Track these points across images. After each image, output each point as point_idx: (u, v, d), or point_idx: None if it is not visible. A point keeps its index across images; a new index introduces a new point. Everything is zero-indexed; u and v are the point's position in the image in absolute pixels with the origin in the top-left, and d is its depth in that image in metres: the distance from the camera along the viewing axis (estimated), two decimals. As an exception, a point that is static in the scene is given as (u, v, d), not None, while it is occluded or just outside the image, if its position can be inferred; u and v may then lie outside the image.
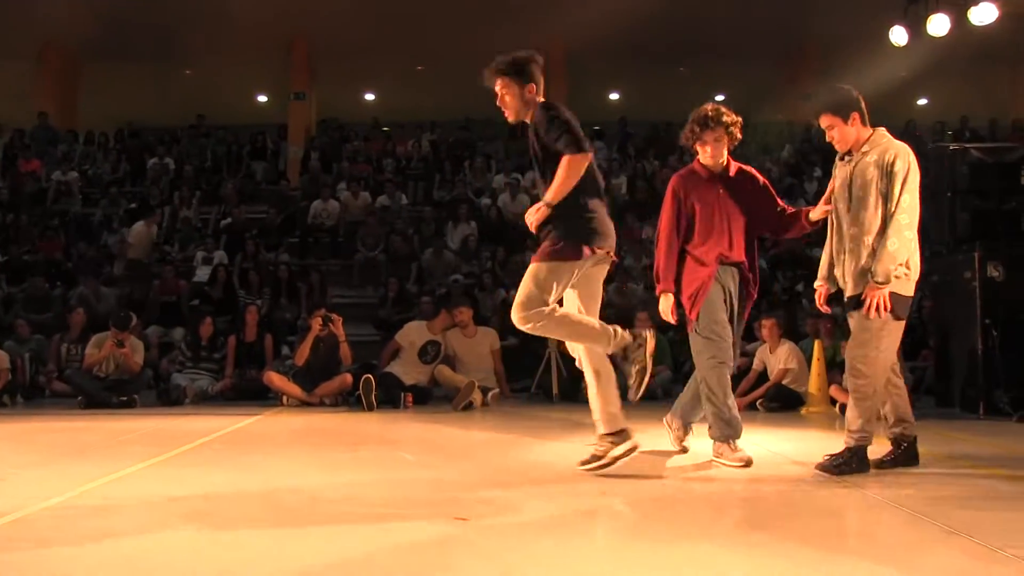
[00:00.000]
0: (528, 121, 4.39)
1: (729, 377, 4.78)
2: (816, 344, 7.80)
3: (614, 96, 20.52)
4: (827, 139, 4.44)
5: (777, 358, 7.90)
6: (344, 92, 19.82)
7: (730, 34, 16.39)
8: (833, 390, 7.51)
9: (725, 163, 4.77)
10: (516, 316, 4.18)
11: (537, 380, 9.19)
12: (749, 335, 9.36)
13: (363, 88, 20.56)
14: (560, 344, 9.06)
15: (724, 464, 4.57)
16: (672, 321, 4.79)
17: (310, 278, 11.94)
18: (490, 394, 8.40)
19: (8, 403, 8.66)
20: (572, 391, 8.78)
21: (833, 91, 4.48)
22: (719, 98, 19.45)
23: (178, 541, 3.01)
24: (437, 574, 2.62)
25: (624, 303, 11.08)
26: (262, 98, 20.83)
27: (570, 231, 4.12)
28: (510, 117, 4.43)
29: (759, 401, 7.77)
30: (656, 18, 15.09)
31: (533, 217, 4.15)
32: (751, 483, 4.15)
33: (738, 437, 4.67)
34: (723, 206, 4.73)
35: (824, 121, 4.39)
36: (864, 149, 4.32)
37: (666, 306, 4.79)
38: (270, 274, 11.93)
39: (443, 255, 12.46)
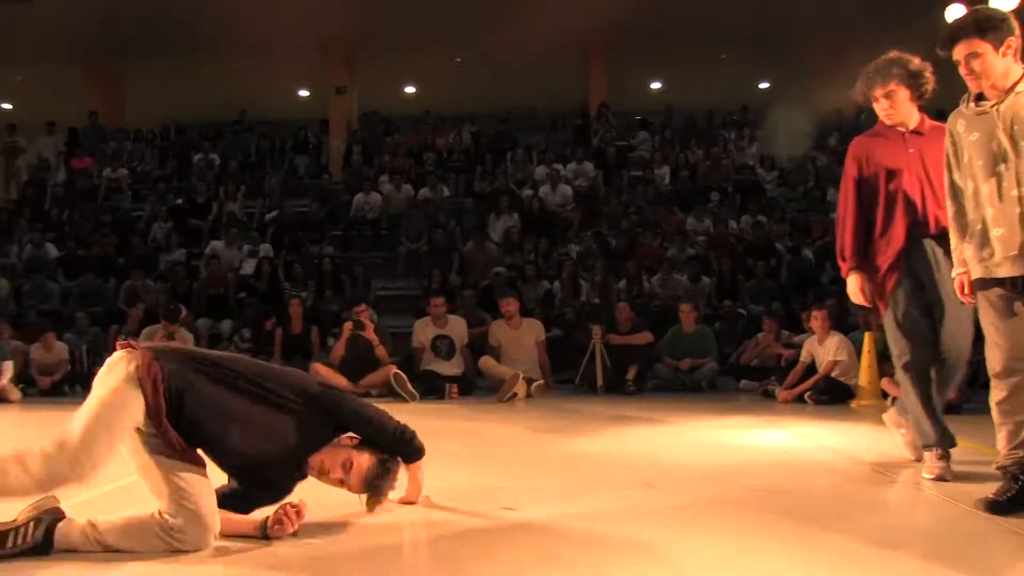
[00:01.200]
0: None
1: (925, 376, 3.88)
2: (866, 336, 7.62)
3: (656, 85, 20.34)
4: (962, 72, 3.36)
5: (826, 350, 7.77)
6: (384, 85, 19.83)
7: (774, 18, 16.13)
8: (884, 383, 7.34)
9: (918, 120, 4.04)
10: None
11: (581, 372, 9.14)
12: (798, 326, 9.26)
13: (403, 81, 20.57)
14: (604, 335, 9.06)
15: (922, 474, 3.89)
16: (864, 303, 4.11)
17: (354, 271, 11.99)
18: (534, 385, 8.38)
19: (68, 392, 9.13)
20: (616, 383, 8.75)
21: (982, 10, 3.36)
22: (763, 85, 19.23)
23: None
24: (484, 561, 2.61)
25: (668, 295, 11.01)
26: (303, 93, 20.91)
27: None
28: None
29: (807, 394, 7.64)
30: (697, 3, 14.93)
31: None
32: (801, 477, 4.08)
33: (939, 447, 3.85)
34: (914, 168, 3.96)
35: (965, 49, 3.30)
36: (1019, 89, 3.27)
37: (855, 286, 4.08)
38: (314, 267, 12.00)
39: (485, 247, 12.45)
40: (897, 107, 3.99)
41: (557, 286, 11.38)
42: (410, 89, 20.65)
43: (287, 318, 9.69)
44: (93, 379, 2.88)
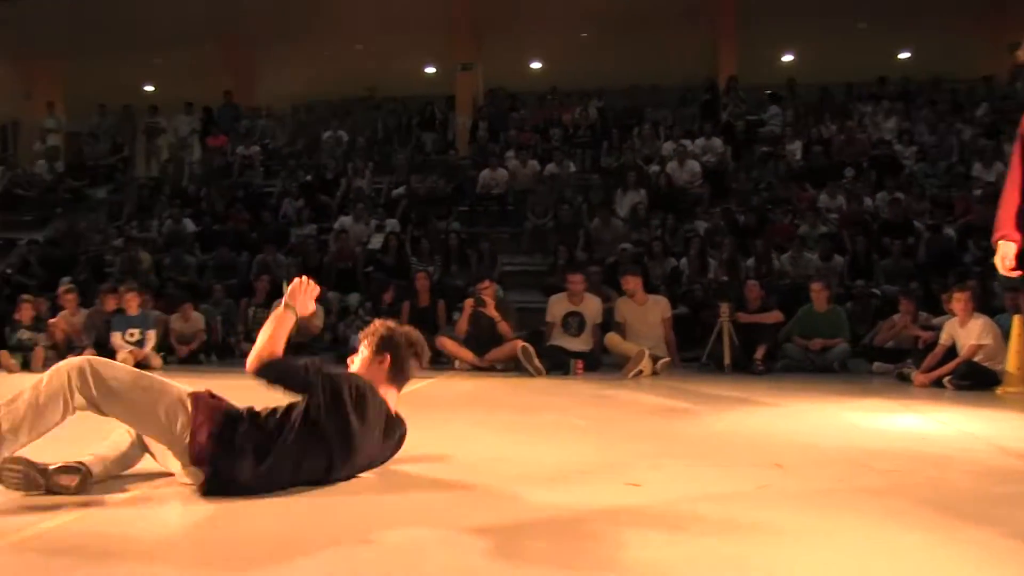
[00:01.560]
0: None
1: None
2: (1016, 319, 7.20)
3: (787, 58, 19.77)
4: None
5: (968, 333, 7.39)
6: (510, 61, 19.85)
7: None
8: (1037, 369, 6.92)
9: None
10: None
11: (708, 350, 9.00)
12: (937, 308, 8.88)
13: (529, 57, 20.56)
14: (733, 313, 8.88)
15: None
16: (1008, 272, 3.73)
17: (480, 246, 12.08)
18: (660, 363, 8.28)
19: (204, 361, 9.57)
20: (744, 362, 8.57)
21: None
22: (903, 55, 18.43)
23: (359, 488, 3.11)
24: (609, 536, 2.59)
25: (798, 273, 10.72)
26: (430, 69, 21.13)
27: None
28: None
29: (947, 378, 7.29)
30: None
31: None
32: (940, 464, 3.90)
33: None
34: None
35: None
36: None
37: (999, 254, 3.73)
38: (441, 242, 12.15)
39: (611, 223, 12.36)
40: None
41: (684, 263, 11.22)
42: (536, 65, 20.63)
43: (414, 292, 9.84)
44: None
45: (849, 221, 11.93)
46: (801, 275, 10.55)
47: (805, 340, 8.91)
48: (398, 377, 3.48)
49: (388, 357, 3.44)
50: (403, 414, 3.46)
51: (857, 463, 3.85)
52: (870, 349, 9.11)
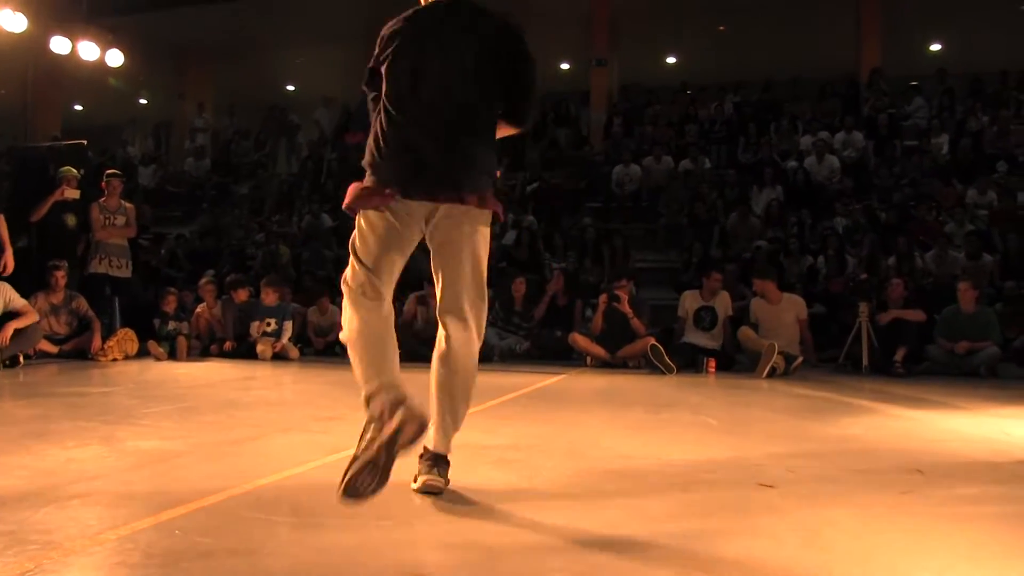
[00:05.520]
0: None
1: None
2: None
3: (935, 47, 18.99)
4: None
5: None
6: (646, 57, 19.73)
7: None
8: None
9: None
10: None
11: (846, 350, 8.79)
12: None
13: (665, 52, 20.38)
14: (872, 313, 8.63)
15: None
16: None
17: (613, 242, 12.09)
18: (794, 365, 8.14)
19: (340, 353, 9.77)
20: (884, 364, 8.34)
21: None
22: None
23: (489, 483, 3.18)
24: (744, 537, 2.57)
25: (943, 272, 10.33)
26: (564, 65, 21.19)
27: None
28: None
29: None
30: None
31: None
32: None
33: None
34: None
35: None
36: None
37: None
38: (575, 238, 12.21)
39: (748, 220, 12.17)
40: None
41: (821, 261, 10.97)
42: (671, 60, 20.45)
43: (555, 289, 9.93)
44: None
45: (1001, 218, 11.43)
46: (946, 274, 10.18)
47: (950, 342, 8.58)
48: None
49: None
50: (536, 410, 3.50)
51: (1011, 473, 3.71)
52: (1021, 353, 8.72)
